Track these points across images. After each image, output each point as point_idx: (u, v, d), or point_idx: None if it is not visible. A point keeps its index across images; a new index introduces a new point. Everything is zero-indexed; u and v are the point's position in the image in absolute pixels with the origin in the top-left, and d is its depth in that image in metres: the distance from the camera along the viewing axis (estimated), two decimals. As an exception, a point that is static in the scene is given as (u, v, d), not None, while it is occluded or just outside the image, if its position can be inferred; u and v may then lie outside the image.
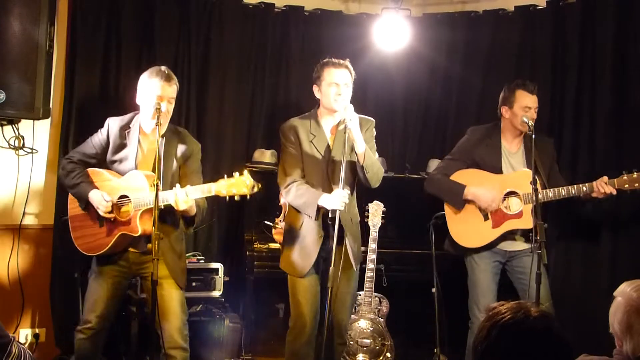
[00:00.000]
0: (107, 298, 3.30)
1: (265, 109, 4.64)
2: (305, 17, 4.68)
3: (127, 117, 3.38)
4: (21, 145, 4.05)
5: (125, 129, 3.32)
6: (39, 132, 4.08)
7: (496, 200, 3.63)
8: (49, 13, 3.76)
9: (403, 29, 4.42)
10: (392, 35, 4.42)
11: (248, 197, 3.04)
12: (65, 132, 4.09)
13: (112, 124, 3.34)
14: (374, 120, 3.49)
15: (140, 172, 3.24)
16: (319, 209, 3.23)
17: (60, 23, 4.05)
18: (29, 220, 4.08)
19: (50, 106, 3.98)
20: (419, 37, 4.57)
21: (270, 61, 4.64)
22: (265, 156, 4.38)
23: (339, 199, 3.12)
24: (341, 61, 3.37)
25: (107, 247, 3.25)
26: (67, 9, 4.11)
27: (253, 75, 4.63)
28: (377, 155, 3.47)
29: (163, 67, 3.29)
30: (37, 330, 4.14)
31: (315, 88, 3.41)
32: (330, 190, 3.24)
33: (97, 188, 3.27)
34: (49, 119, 4.05)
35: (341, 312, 3.42)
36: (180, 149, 3.35)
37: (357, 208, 3.50)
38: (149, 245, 2.94)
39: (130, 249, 3.32)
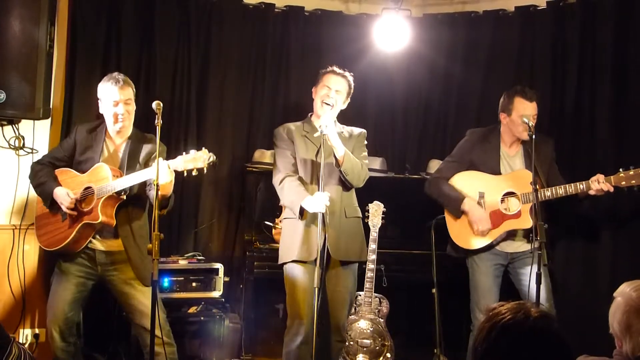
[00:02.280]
0: (71, 301, 3.34)
1: (266, 109, 4.64)
2: (305, 17, 4.67)
3: (94, 123, 3.55)
4: (21, 145, 4.04)
5: (91, 131, 3.48)
6: (39, 132, 4.08)
7: (485, 222, 3.62)
8: (49, 13, 3.77)
9: (403, 29, 4.42)
10: (392, 36, 4.42)
11: (205, 169, 3.09)
12: (65, 132, 4.09)
13: (80, 129, 3.52)
14: (365, 131, 3.59)
15: (105, 164, 3.34)
16: (302, 210, 3.29)
17: (60, 23, 4.05)
18: (29, 220, 4.07)
19: (50, 106, 3.98)
20: (419, 37, 4.57)
21: (270, 61, 4.64)
22: (266, 156, 4.37)
23: (320, 201, 3.18)
24: (341, 71, 3.47)
25: (69, 239, 3.31)
26: (67, 9, 4.11)
27: (253, 75, 4.63)
28: (367, 160, 3.54)
29: (115, 73, 3.42)
30: (37, 330, 4.13)
31: (313, 90, 3.51)
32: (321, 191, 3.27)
33: (61, 186, 3.36)
34: (49, 119, 4.05)
35: (337, 309, 3.43)
36: (145, 148, 3.44)
37: (356, 203, 3.52)
38: (148, 247, 2.88)
39: (96, 248, 3.36)
